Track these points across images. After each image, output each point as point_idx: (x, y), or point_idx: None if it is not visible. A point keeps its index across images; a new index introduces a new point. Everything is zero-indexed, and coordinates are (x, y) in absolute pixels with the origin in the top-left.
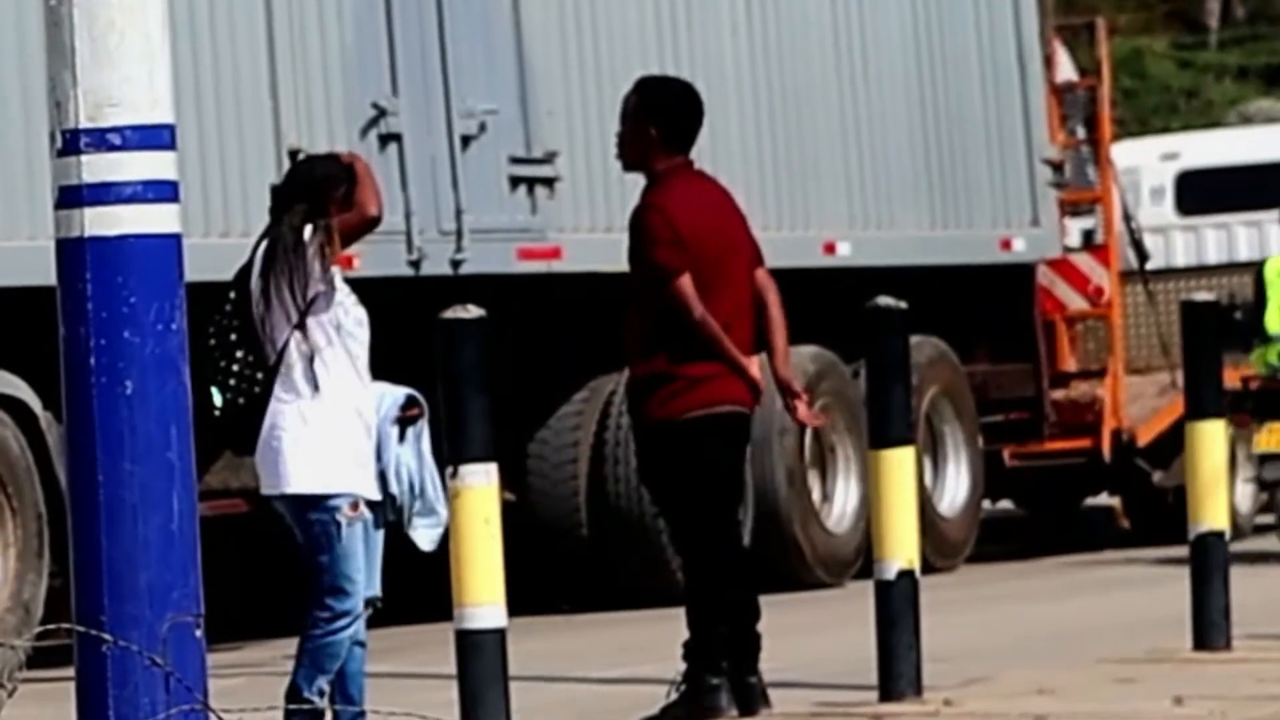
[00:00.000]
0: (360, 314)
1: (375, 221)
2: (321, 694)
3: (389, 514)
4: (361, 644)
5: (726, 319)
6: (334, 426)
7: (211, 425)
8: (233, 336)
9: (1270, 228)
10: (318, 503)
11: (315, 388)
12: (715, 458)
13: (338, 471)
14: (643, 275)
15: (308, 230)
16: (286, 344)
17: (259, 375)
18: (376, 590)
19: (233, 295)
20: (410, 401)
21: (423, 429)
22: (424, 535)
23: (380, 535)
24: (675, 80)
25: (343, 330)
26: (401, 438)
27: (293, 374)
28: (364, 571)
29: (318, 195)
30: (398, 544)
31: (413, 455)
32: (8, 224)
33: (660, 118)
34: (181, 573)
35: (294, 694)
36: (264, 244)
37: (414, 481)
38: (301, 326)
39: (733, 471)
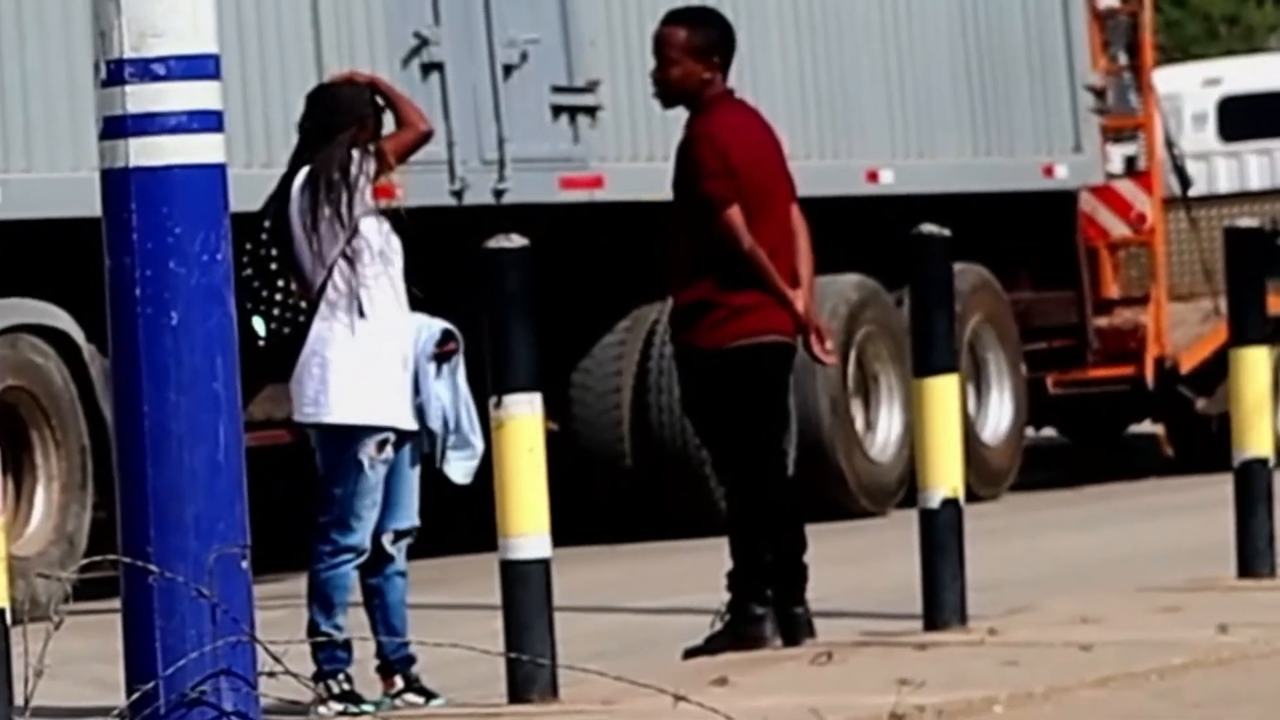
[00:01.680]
0: (397, 243)
1: (429, 135)
2: (339, 625)
3: (424, 446)
4: (403, 574)
5: (770, 248)
6: (376, 356)
7: (253, 355)
8: (273, 266)
9: None
10: (349, 434)
11: (361, 315)
12: (759, 387)
13: (375, 404)
14: (689, 204)
15: (355, 154)
16: (332, 271)
17: (303, 304)
18: (414, 521)
19: (267, 224)
20: (446, 336)
21: (458, 363)
22: (457, 468)
23: (417, 467)
24: (709, 9)
25: (385, 257)
26: (438, 373)
27: (338, 301)
28: (399, 505)
29: (361, 120)
30: (441, 475)
31: (447, 390)
32: (50, 155)
33: (721, 48)
34: (227, 504)
35: (313, 629)
36: (303, 173)
37: (448, 417)
38: (348, 254)
39: (776, 401)
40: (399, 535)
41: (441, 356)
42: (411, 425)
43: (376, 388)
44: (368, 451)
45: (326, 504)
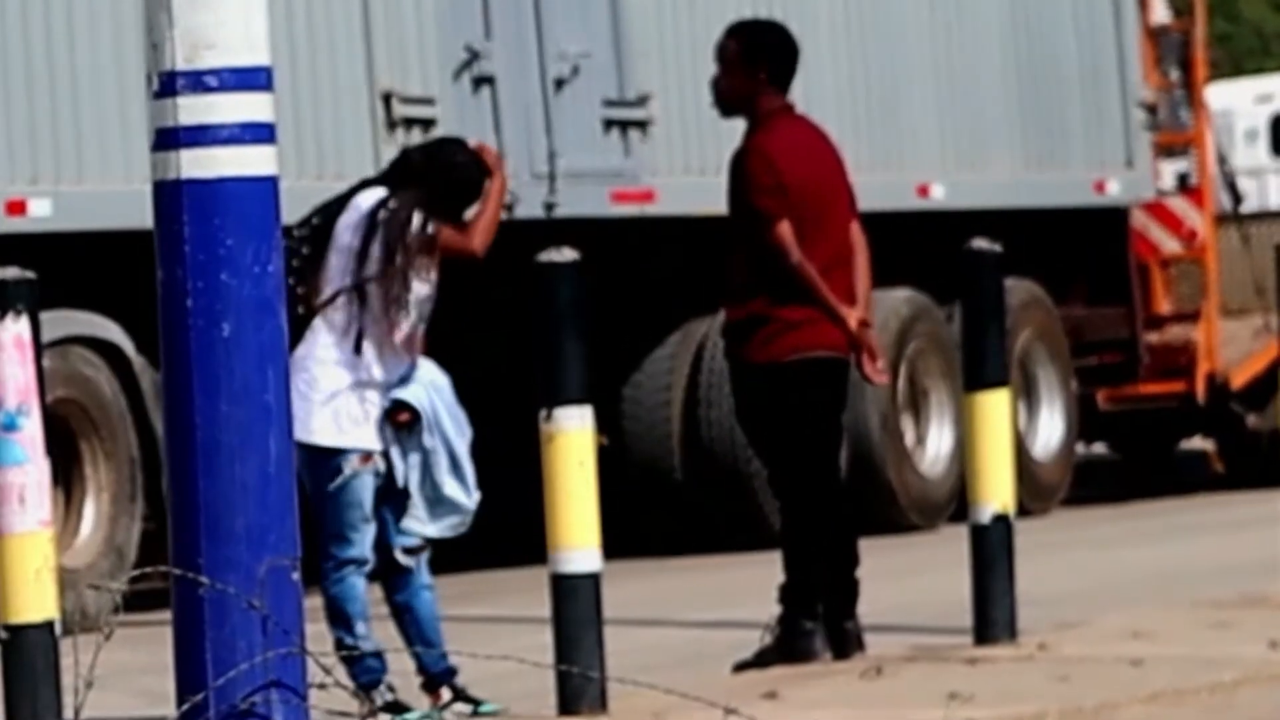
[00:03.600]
0: (425, 291)
1: (472, 257)
2: (362, 636)
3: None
4: (429, 587)
5: (825, 264)
6: (360, 384)
7: None
8: (294, 262)
9: None
10: (329, 454)
11: (355, 349)
12: (812, 402)
13: (353, 428)
14: (742, 218)
15: (415, 220)
16: (337, 296)
17: (299, 309)
18: (412, 540)
19: (315, 222)
20: (398, 406)
21: (421, 431)
22: (434, 528)
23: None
24: (772, 22)
25: (398, 303)
26: (395, 439)
27: (334, 327)
28: (393, 520)
29: (442, 186)
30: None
31: (415, 458)
32: (102, 167)
33: (768, 60)
34: (278, 515)
35: (339, 645)
36: (377, 195)
37: (409, 481)
38: (360, 290)
39: (830, 416)
40: (409, 550)
41: (397, 426)
42: (389, 445)
43: (357, 413)
44: (351, 464)
45: (321, 520)
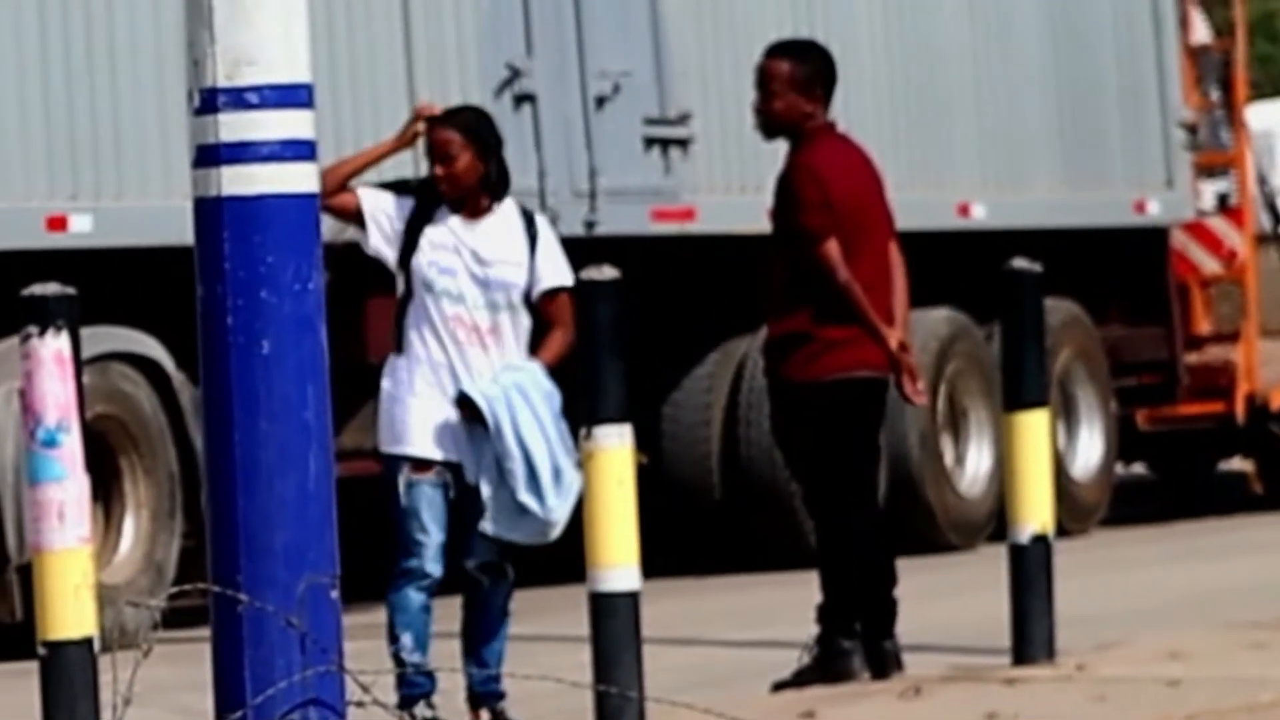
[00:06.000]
0: (465, 277)
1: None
2: (406, 648)
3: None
4: (505, 613)
5: (867, 282)
6: (409, 387)
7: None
8: None
9: None
10: (387, 461)
11: (399, 347)
12: (851, 421)
13: (403, 433)
14: (787, 236)
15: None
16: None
17: None
18: (485, 556)
19: None
20: (460, 399)
21: (486, 432)
22: (510, 530)
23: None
24: (812, 42)
25: (435, 290)
26: (468, 431)
27: (393, 333)
28: (473, 536)
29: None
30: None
31: (488, 459)
32: (142, 183)
33: (821, 81)
34: (317, 533)
35: (394, 658)
36: None
37: (477, 479)
38: (404, 287)
39: (868, 435)
40: (482, 568)
41: (462, 418)
42: (451, 456)
43: (403, 418)
44: (405, 474)
45: (393, 530)
